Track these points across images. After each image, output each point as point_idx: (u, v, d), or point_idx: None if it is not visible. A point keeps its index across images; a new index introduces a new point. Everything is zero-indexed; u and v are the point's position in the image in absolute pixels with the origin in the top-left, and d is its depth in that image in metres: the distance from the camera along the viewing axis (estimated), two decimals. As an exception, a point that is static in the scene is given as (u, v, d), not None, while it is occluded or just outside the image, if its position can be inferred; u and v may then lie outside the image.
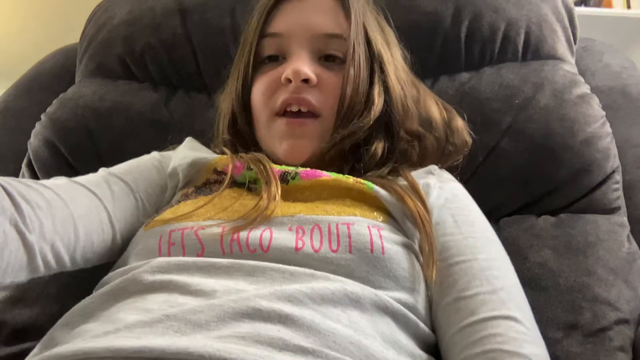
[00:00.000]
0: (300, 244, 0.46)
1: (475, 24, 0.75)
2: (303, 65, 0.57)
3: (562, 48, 0.77)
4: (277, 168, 0.54)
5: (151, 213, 0.57)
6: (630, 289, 0.63)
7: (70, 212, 0.48)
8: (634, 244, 0.68)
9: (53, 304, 0.68)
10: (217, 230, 0.47)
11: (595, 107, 0.72)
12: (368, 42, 0.61)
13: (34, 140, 0.78)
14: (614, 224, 0.68)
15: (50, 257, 0.46)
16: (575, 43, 0.80)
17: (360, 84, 0.59)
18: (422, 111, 0.64)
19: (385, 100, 0.60)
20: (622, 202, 0.70)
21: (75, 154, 0.76)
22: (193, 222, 0.49)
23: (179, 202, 0.54)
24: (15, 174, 0.79)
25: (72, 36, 0.90)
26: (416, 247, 0.51)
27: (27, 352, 0.55)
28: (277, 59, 0.61)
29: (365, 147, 0.59)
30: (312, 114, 0.58)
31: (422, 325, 0.48)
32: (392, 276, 0.47)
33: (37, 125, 0.79)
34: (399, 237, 0.49)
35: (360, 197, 0.52)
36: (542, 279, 0.63)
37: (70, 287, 0.66)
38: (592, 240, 0.65)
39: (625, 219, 0.69)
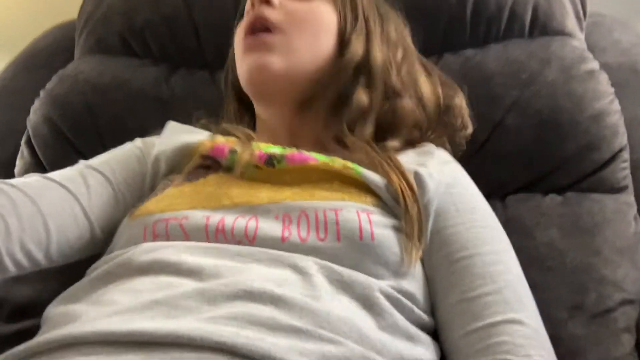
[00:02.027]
0: (286, 234, 0.45)
1: (482, 0, 0.74)
2: None
3: (570, 23, 0.75)
4: (263, 151, 0.53)
5: (132, 203, 0.55)
6: (637, 269, 0.62)
7: (38, 208, 0.48)
8: (641, 224, 0.67)
9: (53, 281, 0.67)
10: (202, 220, 0.46)
11: (604, 83, 0.70)
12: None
13: (33, 117, 0.77)
14: (621, 203, 0.67)
15: (20, 257, 0.46)
16: (584, 18, 0.78)
17: (348, 25, 0.58)
18: (406, 75, 0.61)
19: (366, 49, 0.59)
20: (629, 182, 0.69)
21: (74, 130, 0.75)
22: (177, 212, 0.48)
23: (163, 189, 0.52)
24: (15, 152, 0.79)
25: (71, 11, 0.89)
26: (408, 229, 0.49)
27: (28, 329, 0.56)
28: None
29: (348, 98, 0.57)
30: (272, 29, 0.57)
31: (417, 310, 0.47)
32: (383, 262, 0.45)
33: (36, 102, 0.79)
34: (389, 221, 0.48)
35: (348, 181, 0.51)
36: (548, 258, 0.62)
37: (71, 264, 0.66)
38: (599, 219, 0.65)
39: (633, 198, 0.68)
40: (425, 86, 0.62)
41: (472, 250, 0.49)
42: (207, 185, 0.51)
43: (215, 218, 0.46)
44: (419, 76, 0.63)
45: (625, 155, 0.68)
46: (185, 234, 0.46)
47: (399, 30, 0.65)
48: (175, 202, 0.49)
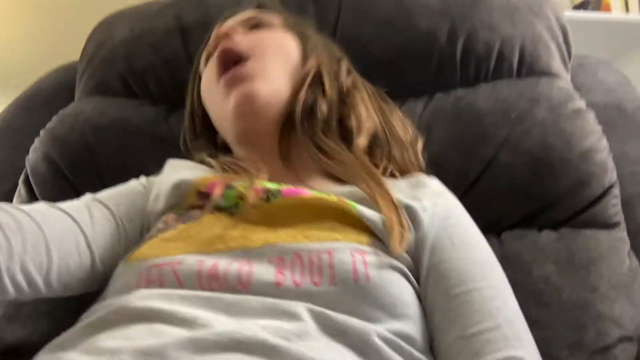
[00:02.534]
0: (280, 279, 0.44)
1: (471, 41, 0.76)
2: (225, 26, 0.60)
3: (556, 64, 0.78)
4: (259, 186, 0.53)
5: (134, 239, 0.55)
6: (633, 305, 0.62)
7: (43, 233, 0.48)
8: (635, 260, 0.67)
9: (45, 322, 0.67)
10: (195, 265, 0.46)
11: (591, 121, 0.72)
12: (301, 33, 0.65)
13: (32, 156, 0.78)
14: (615, 239, 0.67)
15: (20, 278, 0.46)
16: (569, 60, 0.81)
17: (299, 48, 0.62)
18: (344, 83, 0.64)
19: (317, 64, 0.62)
20: (621, 218, 0.70)
21: (73, 169, 0.76)
22: (170, 256, 0.47)
23: (158, 232, 0.52)
24: (13, 191, 0.79)
25: (73, 53, 0.91)
26: (406, 269, 0.49)
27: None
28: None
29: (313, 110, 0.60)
30: (244, 59, 0.59)
31: (416, 354, 0.46)
32: (379, 305, 0.45)
33: (36, 141, 0.79)
34: (385, 260, 0.47)
35: (343, 218, 0.50)
36: (545, 294, 0.62)
37: (61, 306, 0.65)
38: (594, 256, 0.65)
39: (625, 234, 0.69)
40: (371, 116, 0.65)
41: (470, 285, 0.48)
42: (202, 228, 0.50)
43: (208, 263, 0.46)
44: (364, 98, 0.66)
45: (616, 191, 0.69)
46: (179, 280, 0.45)
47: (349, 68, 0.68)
48: (169, 247, 0.48)
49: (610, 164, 0.70)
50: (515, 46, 0.77)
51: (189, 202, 0.55)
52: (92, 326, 0.43)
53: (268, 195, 0.52)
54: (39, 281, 0.47)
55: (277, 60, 0.60)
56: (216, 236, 0.49)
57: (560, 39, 0.80)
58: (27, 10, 1.45)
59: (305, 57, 0.62)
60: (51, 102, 0.87)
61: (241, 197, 0.52)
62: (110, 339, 0.40)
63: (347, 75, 0.65)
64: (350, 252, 0.46)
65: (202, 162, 0.62)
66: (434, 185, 0.58)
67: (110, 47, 0.85)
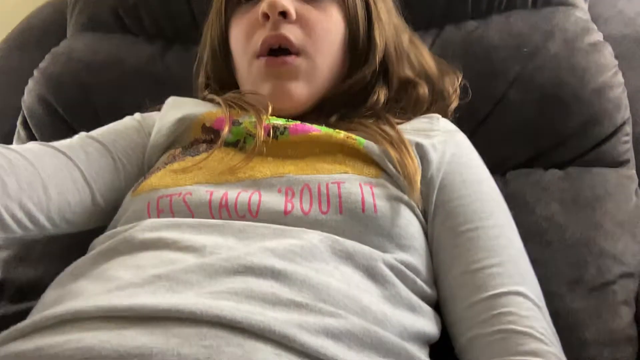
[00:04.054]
0: (289, 207, 0.45)
1: (484, -32, 0.72)
2: None
3: (574, -7, 0.74)
4: (266, 122, 0.52)
5: (133, 173, 0.56)
6: (637, 242, 0.62)
7: (37, 171, 0.48)
8: (642, 197, 0.67)
9: (56, 263, 0.66)
10: (206, 195, 0.46)
11: (608, 55, 0.69)
12: None
13: (28, 98, 0.76)
14: (623, 177, 0.67)
15: (20, 216, 0.46)
16: (588, -13, 0.76)
17: (360, 25, 0.56)
18: (415, 57, 0.61)
19: (383, 48, 0.57)
20: (631, 155, 0.68)
21: (69, 110, 0.74)
22: (181, 187, 0.48)
23: (166, 164, 0.52)
24: (11, 132, 0.78)
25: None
26: (413, 203, 0.49)
27: (31, 309, 0.56)
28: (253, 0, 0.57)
29: (365, 94, 0.57)
30: (295, 52, 0.55)
31: (420, 282, 0.47)
32: (386, 234, 0.46)
33: (30, 82, 0.78)
34: (393, 192, 0.48)
35: (352, 153, 0.50)
36: (548, 233, 0.62)
37: (72, 247, 0.64)
38: (600, 193, 0.64)
39: (634, 172, 0.68)
40: (430, 62, 0.62)
41: (477, 223, 0.49)
42: (210, 160, 0.51)
43: (218, 193, 0.47)
44: (424, 53, 0.63)
45: (628, 128, 0.68)
46: (189, 209, 0.46)
47: (394, 7, 0.63)
48: (178, 178, 0.49)
49: (625, 101, 0.68)
50: (531, -27, 0.72)
51: (194, 135, 0.55)
52: (102, 255, 0.44)
53: (275, 132, 0.51)
54: (41, 218, 0.48)
55: (327, 55, 0.55)
56: (226, 168, 0.50)
57: (579, -34, 0.75)
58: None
59: (365, 32, 0.57)
60: (43, 40, 0.84)
61: (248, 133, 0.52)
62: (120, 268, 0.41)
63: (410, 49, 0.61)
64: (359, 183, 0.47)
65: (204, 99, 0.61)
66: (445, 124, 0.58)
67: (100, -21, 0.81)
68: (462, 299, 0.47)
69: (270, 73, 0.55)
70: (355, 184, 0.47)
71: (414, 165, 0.49)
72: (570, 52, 0.67)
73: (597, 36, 0.70)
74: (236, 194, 0.46)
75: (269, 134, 0.51)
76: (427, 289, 0.48)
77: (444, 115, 0.61)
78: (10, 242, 0.69)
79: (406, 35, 0.62)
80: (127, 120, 0.60)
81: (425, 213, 0.51)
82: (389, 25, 0.59)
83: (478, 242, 0.48)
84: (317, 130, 0.51)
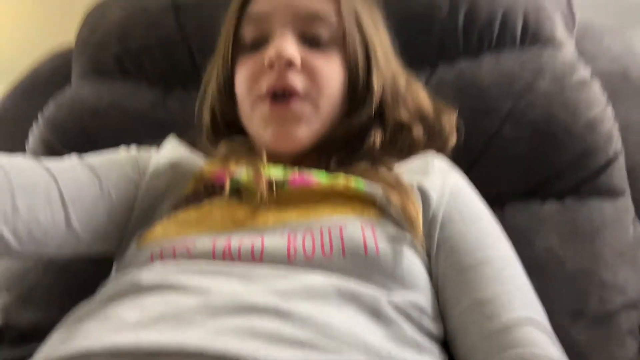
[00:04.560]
0: (292, 251, 0.45)
1: (473, 11, 0.75)
2: (286, 45, 0.54)
3: (560, 32, 0.76)
4: (265, 176, 0.52)
5: (119, 207, 0.54)
6: (637, 272, 0.63)
7: (9, 180, 0.45)
8: (640, 228, 0.67)
9: (58, 306, 0.67)
10: (209, 244, 0.46)
11: (597, 91, 0.71)
12: (359, 24, 0.59)
13: (32, 142, 0.78)
14: (619, 208, 0.68)
15: None
16: (574, 27, 0.79)
17: (360, 71, 0.58)
18: (411, 100, 0.62)
19: (380, 91, 0.59)
20: (626, 186, 0.70)
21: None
22: (185, 236, 0.48)
23: (170, 213, 0.52)
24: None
25: (68, 37, 0.90)
26: (415, 241, 0.49)
27: (33, 354, 0.55)
28: (259, 44, 0.58)
29: (362, 136, 0.58)
30: (299, 97, 0.56)
31: (425, 320, 0.47)
32: (389, 275, 0.46)
33: (34, 127, 0.79)
34: (394, 233, 0.48)
35: (352, 197, 0.51)
36: (548, 265, 0.63)
37: (74, 291, 0.65)
38: (597, 224, 0.65)
39: (630, 202, 0.69)
40: (426, 104, 0.63)
41: (481, 256, 0.49)
42: (213, 210, 0.51)
43: (221, 241, 0.47)
44: (420, 95, 0.64)
45: (621, 160, 0.69)
46: (192, 259, 0.46)
47: (392, 51, 0.65)
48: (182, 228, 0.49)
49: (616, 133, 0.70)
50: (518, 14, 0.75)
51: (195, 186, 0.55)
52: (108, 298, 0.44)
53: (276, 186, 0.52)
54: (5, 231, 0.45)
55: (330, 100, 0.57)
56: (228, 217, 0.50)
57: (564, 6, 0.78)
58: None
59: (364, 78, 0.58)
60: (48, 88, 0.86)
61: (248, 188, 0.52)
62: (127, 309, 0.41)
63: (407, 92, 0.62)
64: (360, 224, 0.47)
65: (207, 139, 0.62)
66: (441, 163, 0.58)
67: (104, 29, 0.84)
68: (475, 329, 0.46)
69: (274, 117, 0.56)
70: (356, 226, 0.47)
71: (415, 208, 0.50)
72: (560, 89, 0.69)
73: (586, 73, 0.73)
74: (239, 241, 0.46)
75: (269, 188, 0.51)
76: (432, 327, 0.47)
77: (443, 153, 0.62)
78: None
79: (403, 79, 0.63)
80: (124, 153, 0.60)
81: (428, 252, 0.51)
82: (387, 71, 0.61)
83: (484, 274, 0.48)
84: (317, 182, 0.52)
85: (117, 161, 0.57)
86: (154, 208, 0.55)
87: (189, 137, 0.64)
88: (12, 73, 0.94)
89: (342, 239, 0.46)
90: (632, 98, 0.76)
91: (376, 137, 0.58)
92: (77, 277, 0.69)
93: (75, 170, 0.52)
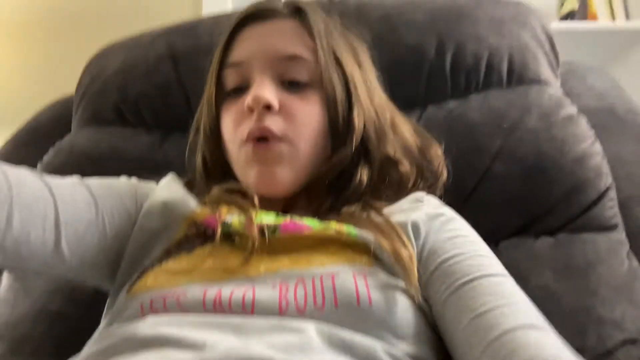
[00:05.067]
0: (284, 304, 0.45)
1: (459, 54, 0.77)
2: (263, 90, 0.56)
3: (545, 72, 0.79)
4: (256, 222, 0.52)
5: (109, 236, 0.54)
6: (635, 307, 0.62)
7: (11, 195, 0.45)
8: (635, 261, 0.67)
9: (49, 356, 0.67)
10: (199, 294, 0.46)
11: (584, 126, 0.73)
12: (337, 61, 0.60)
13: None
14: (613, 241, 0.68)
15: None
16: (558, 67, 0.81)
17: (340, 109, 0.58)
18: (396, 135, 0.63)
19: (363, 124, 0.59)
20: (619, 220, 0.70)
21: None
22: (175, 287, 0.47)
23: (161, 262, 0.51)
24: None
25: (69, 87, 0.92)
26: (410, 288, 0.48)
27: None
28: (241, 89, 0.59)
29: (349, 175, 0.58)
30: (278, 139, 0.56)
31: None
32: (384, 326, 0.45)
33: (34, 174, 0.80)
34: (389, 281, 0.47)
35: (344, 244, 0.50)
36: (544, 302, 0.60)
37: (65, 343, 0.65)
38: (591, 259, 0.65)
39: (624, 236, 0.69)
40: (412, 140, 0.64)
41: (477, 274, 0.48)
42: (205, 258, 0.50)
43: (212, 291, 0.46)
44: (405, 130, 0.65)
45: (612, 194, 0.70)
46: (183, 309, 0.45)
47: (377, 84, 0.65)
48: (172, 278, 0.49)
49: (605, 168, 0.70)
50: (504, 56, 0.77)
51: (186, 230, 0.54)
52: (102, 354, 0.43)
53: (267, 232, 0.51)
54: None
55: (310, 141, 0.57)
56: (219, 265, 0.49)
57: (547, 47, 0.81)
58: (22, 44, 1.47)
59: (345, 114, 0.58)
60: (49, 136, 0.87)
61: (240, 234, 0.52)
62: None
63: (393, 128, 0.63)
64: (352, 274, 0.46)
65: (198, 191, 0.61)
66: (432, 200, 0.59)
67: (103, 78, 0.86)
68: (477, 343, 0.44)
69: (256, 158, 0.56)
70: (349, 276, 0.46)
71: (409, 251, 0.49)
72: (548, 125, 0.71)
73: (572, 109, 0.74)
74: (230, 292, 0.46)
75: (260, 233, 0.51)
76: None
77: (434, 192, 0.62)
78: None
79: (388, 114, 0.64)
80: (124, 182, 0.59)
81: (425, 289, 0.50)
82: (369, 106, 0.61)
83: (482, 289, 0.46)
84: (309, 228, 0.52)
85: (117, 189, 0.57)
86: (148, 248, 0.54)
87: (186, 178, 0.65)
88: (17, 121, 0.95)
89: (334, 290, 0.45)
90: (621, 133, 0.78)
91: (362, 175, 0.58)
92: (69, 326, 0.68)
93: (74, 191, 0.52)
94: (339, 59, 0.60)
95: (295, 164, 0.57)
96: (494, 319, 0.43)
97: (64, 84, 0.98)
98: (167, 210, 0.55)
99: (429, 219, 0.53)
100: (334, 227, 0.51)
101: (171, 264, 0.51)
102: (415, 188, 0.62)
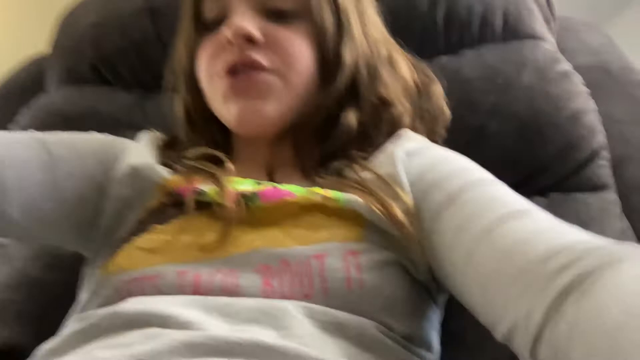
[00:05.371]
0: (268, 291, 0.42)
1: (452, 7, 0.74)
2: (242, 20, 0.50)
3: (540, 27, 0.77)
4: (232, 190, 0.47)
5: (69, 199, 0.50)
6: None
7: None
8: (626, 222, 0.67)
9: (32, 324, 0.65)
10: (175, 280, 0.43)
11: (578, 83, 0.71)
12: None
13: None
14: (605, 201, 0.67)
15: None
16: (553, 21, 0.79)
17: (330, 42, 0.52)
18: (395, 74, 0.58)
19: (354, 64, 0.53)
20: (611, 179, 0.69)
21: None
22: (150, 268, 0.44)
23: (133, 237, 0.47)
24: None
25: (43, 44, 0.88)
26: (405, 260, 0.45)
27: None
28: (220, 23, 0.53)
29: (336, 121, 0.53)
30: (268, 72, 0.51)
31: (416, 349, 0.44)
32: (375, 306, 0.42)
33: (7, 135, 0.76)
34: (382, 256, 0.44)
35: (332, 212, 0.46)
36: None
37: (49, 307, 0.64)
38: (584, 218, 0.64)
39: (616, 197, 0.68)
40: (407, 76, 0.59)
41: (466, 183, 0.45)
42: (179, 232, 0.46)
43: (189, 276, 0.43)
44: (402, 66, 0.59)
45: (605, 153, 0.69)
46: (162, 293, 0.42)
47: (376, 17, 0.60)
48: (147, 257, 0.45)
49: (599, 126, 0.69)
50: (498, 10, 0.75)
51: (159, 198, 0.50)
52: (84, 333, 0.41)
53: (245, 201, 0.47)
54: None
55: (299, 74, 0.52)
56: (195, 241, 0.45)
57: (543, 2, 0.78)
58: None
59: (333, 52, 0.53)
60: (23, 97, 0.84)
61: (216, 203, 0.47)
62: (105, 348, 0.38)
63: (386, 64, 0.57)
64: (342, 254, 0.43)
65: (178, 153, 0.56)
66: (417, 138, 0.55)
67: (77, 35, 0.82)
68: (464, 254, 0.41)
69: (235, 92, 0.51)
70: (338, 257, 0.43)
71: (405, 204, 0.46)
72: (543, 81, 0.69)
73: (566, 65, 0.72)
74: (209, 276, 0.43)
75: (237, 204, 0.46)
76: (425, 353, 0.45)
77: (434, 137, 0.58)
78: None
79: (384, 50, 0.58)
80: (91, 140, 0.54)
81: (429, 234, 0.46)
82: (362, 40, 0.55)
83: (475, 201, 0.43)
84: (291, 194, 0.47)
85: (80, 148, 0.52)
86: (121, 217, 0.50)
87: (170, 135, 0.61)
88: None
89: (322, 274, 0.42)
90: (612, 91, 0.76)
91: (351, 118, 0.53)
92: (51, 292, 0.66)
93: (28, 150, 0.48)
94: None
95: (284, 99, 0.51)
96: (477, 219, 0.41)
97: (38, 41, 0.94)
98: (139, 176, 0.50)
99: (408, 155, 0.50)
100: (319, 192, 0.47)
101: (145, 239, 0.46)
102: (417, 130, 0.58)
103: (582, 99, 0.70)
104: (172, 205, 0.49)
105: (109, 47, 0.79)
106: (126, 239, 0.48)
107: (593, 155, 0.68)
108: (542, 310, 0.32)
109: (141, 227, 0.48)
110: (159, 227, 0.47)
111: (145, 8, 0.79)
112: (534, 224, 0.39)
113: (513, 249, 0.37)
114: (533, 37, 0.75)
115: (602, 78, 0.77)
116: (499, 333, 0.37)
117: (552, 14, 0.79)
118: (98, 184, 0.51)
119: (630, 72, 0.78)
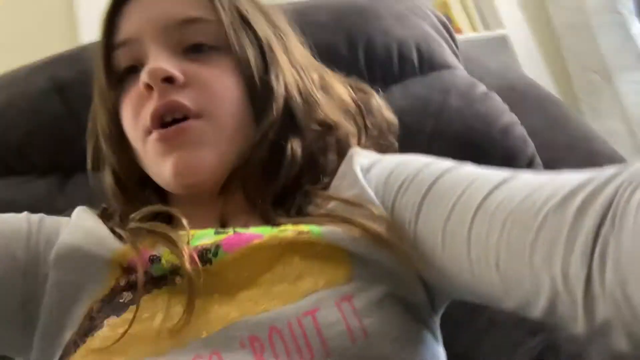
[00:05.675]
0: None
1: (370, 47, 0.77)
2: (158, 61, 0.47)
3: (450, 57, 0.82)
4: (192, 244, 0.42)
5: None
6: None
7: None
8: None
9: None
10: None
11: (499, 101, 0.76)
12: (244, 20, 0.51)
13: None
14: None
15: None
16: (458, 51, 0.85)
17: (254, 72, 0.49)
18: (331, 96, 0.56)
19: (285, 92, 0.51)
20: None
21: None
22: None
23: (85, 336, 0.40)
24: None
25: None
26: (399, 290, 0.42)
27: None
28: (137, 72, 0.49)
29: (281, 151, 0.49)
30: (194, 116, 0.47)
31: None
32: (386, 353, 0.38)
33: None
34: (376, 293, 0.40)
35: (309, 252, 0.41)
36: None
37: None
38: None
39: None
40: (345, 96, 0.57)
41: (431, 180, 0.42)
42: (142, 320, 0.39)
43: None
44: (337, 88, 0.58)
45: (538, 159, 0.73)
46: None
47: (298, 44, 0.58)
48: (108, 358, 0.37)
49: (527, 136, 0.74)
50: (412, 46, 0.79)
51: (112, 282, 0.43)
52: None
53: (207, 255, 0.41)
54: None
55: (230, 116, 0.48)
56: (164, 327, 0.38)
57: (446, 34, 0.84)
58: None
59: (262, 77, 0.50)
60: None
61: (174, 268, 0.41)
62: None
63: (320, 88, 0.55)
64: (335, 303, 0.38)
65: (112, 230, 0.48)
66: (370, 154, 0.53)
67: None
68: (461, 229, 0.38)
69: (167, 146, 0.47)
70: (331, 308, 0.38)
71: (382, 217, 0.43)
72: (469, 103, 0.73)
73: (483, 87, 0.77)
74: None
75: (200, 260, 0.41)
76: None
77: (386, 149, 0.57)
78: None
79: (315, 74, 0.56)
80: (14, 221, 0.47)
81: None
82: (289, 67, 0.53)
83: (441, 191, 0.41)
84: (258, 235, 0.42)
85: (3, 234, 0.45)
86: (68, 311, 0.42)
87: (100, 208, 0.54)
88: None
89: (319, 333, 0.37)
90: (526, 106, 0.82)
91: (295, 147, 0.50)
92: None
93: None
94: (245, 17, 0.52)
95: (220, 143, 0.48)
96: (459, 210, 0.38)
97: None
98: (83, 256, 0.43)
99: (364, 171, 0.48)
100: (290, 228, 0.43)
101: (101, 338, 0.39)
102: (362, 146, 0.55)
103: (507, 114, 0.74)
104: (127, 287, 0.42)
105: (16, 135, 0.71)
106: (77, 342, 0.40)
107: (530, 162, 0.71)
108: (579, 263, 0.28)
109: (93, 324, 0.40)
110: (115, 319, 0.40)
111: (52, 88, 0.73)
112: (526, 183, 0.36)
113: (517, 212, 0.33)
114: (447, 67, 0.80)
115: (512, 95, 0.83)
116: (538, 310, 0.32)
117: (456, 44, 0.85)
118: (22, 267, 0.44)
119: (535, 87, 0.85)
